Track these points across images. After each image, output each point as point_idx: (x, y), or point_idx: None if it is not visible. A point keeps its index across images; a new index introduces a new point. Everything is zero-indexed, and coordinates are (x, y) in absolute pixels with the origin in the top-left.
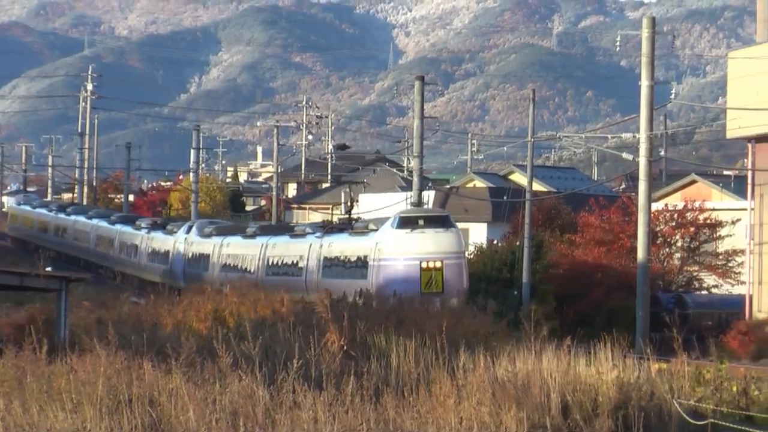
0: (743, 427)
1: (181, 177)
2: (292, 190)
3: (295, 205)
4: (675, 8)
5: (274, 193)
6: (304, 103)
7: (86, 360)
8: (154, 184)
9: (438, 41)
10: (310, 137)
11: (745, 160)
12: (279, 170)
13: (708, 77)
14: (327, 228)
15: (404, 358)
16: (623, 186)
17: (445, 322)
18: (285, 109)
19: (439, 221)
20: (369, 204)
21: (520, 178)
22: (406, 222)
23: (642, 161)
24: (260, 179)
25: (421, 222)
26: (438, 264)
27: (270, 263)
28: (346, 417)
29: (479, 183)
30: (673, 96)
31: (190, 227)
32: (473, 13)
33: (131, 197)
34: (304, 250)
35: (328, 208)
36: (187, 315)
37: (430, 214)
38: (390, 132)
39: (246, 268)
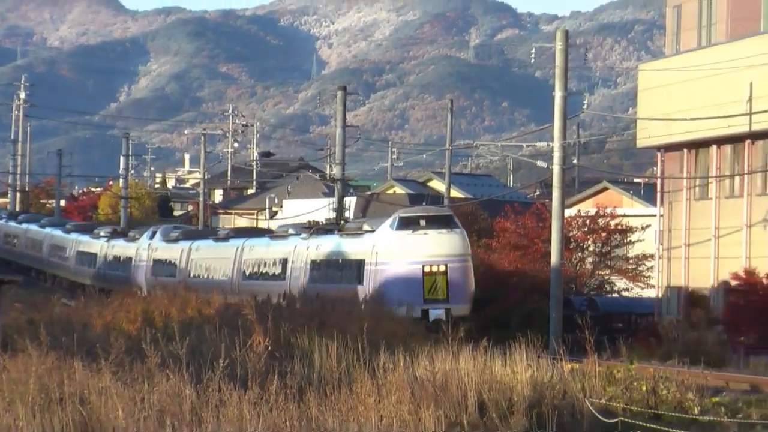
0: (652, 425)
1: (110, 183)
2: (218, 195)
3: (222, 211)
4: (588, 22)
5: (201, 198)
6: (230, 112)
7: (18, 360)
8: (85, 190)
9: (360, 53)
10: (235, 145)
11: (655, 168)
12: (206, 177)
13: (619, 88)
14: (313, 229)
15: (326, 358)
16: (537, 192)
17: (365, 323)
18: (212, 118)
19: (443, 221)
20: (293, 209)
21: (438, 184)
22: (406, 222)
23: (555, 169)
24: (187, 185)
25: (422, 222)
26: (442, 268)
27: (247, 268)
28: (270, 415)
29: (399, 189)
30: (585, 106)
31: (154, 233)
32: (393, 26)
33: (63, 202)
34: (287, 253)
35: (253, 214)
36: (117, 316)
37: (432, 213)
38: (313, 140)
39: (219, 274)
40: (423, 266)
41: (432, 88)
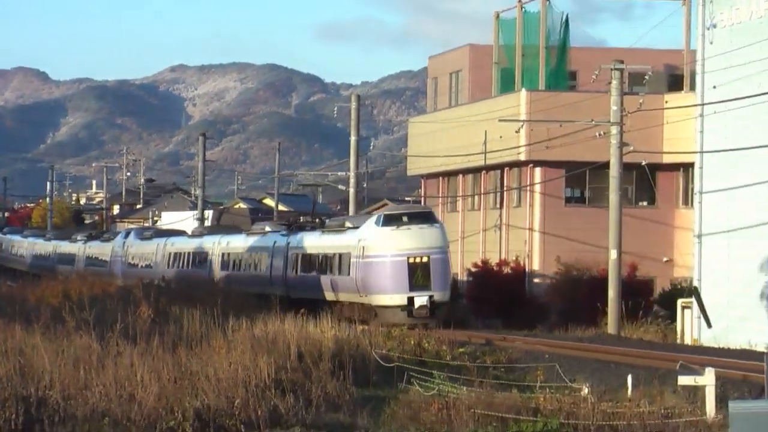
0: (418, 368)
1: (40, 201)
2: (116, 209)
3: (118, 220)
4: (373, 89)
5: (104, 211)
6: (124, 151)
7: None
8: (22, 205)
9: (215, 109)
10: (128, 174)
11: (420, 190)
12: (107, 196)
13: (395, 135)
14: (292, 226)
15: (192, 322)
16: (339, 207)
17: (219, 298)
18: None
19: (423, 217)
20: (168, 219)
21: (270, 201)
22: (390, 219)
23: (351, 191)
24: (94, 202)
25: (405, 219)
26: (425, 259)
27: (226, 261)
28: (152, 362)
29: (242, 205)
30: (372, 147)
31: (128, 233)
32: (238, 91)
33: (6, 213)
34: (266, 249)
35: (140, 222)
36: (45, 293)
37: (413, 210)
38: (183, 170)
39: (197, 266)
40: (408, 258)
41: (265, 134)
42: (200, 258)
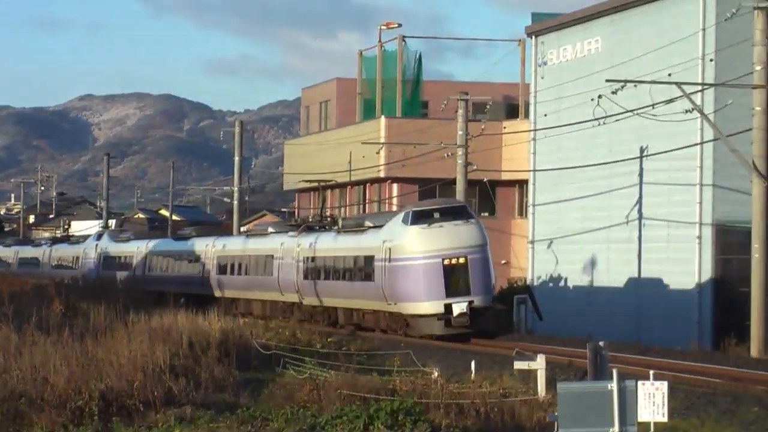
0: (292, 354)
1: None
2: (32, 218)
3: (34, 227)
4: (254, 115)
5: (21, 220)
6: (39, 168)
7: None
8: None
9: (118, 133)
10: (42, 188)
11: (293, 203)
12: (23, 207)
13: (273, 155)
14: (302, 226)
15: (98, 316)
16: (224, 217)
17: (121, 296)
18: (28, 172)
19: (457, 212)
20: (78, 227)
21: (165, 212)
22: (420, 216)
23: (235, 203)
24: (13, 212)
25: (437, 215)
26: (462, 260)
27: (222, 264)
28: (63, 350)
29: (141, 215)
30: (253, 165)
31: (100, 235)
32: (138, 117)
33: None
34: (272, 250)
35: (52, 229)
36: None
37: (446, 205)
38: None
39: (187, 269)
40: (443, 259)
41: (161, 155)
42: (190, 261)
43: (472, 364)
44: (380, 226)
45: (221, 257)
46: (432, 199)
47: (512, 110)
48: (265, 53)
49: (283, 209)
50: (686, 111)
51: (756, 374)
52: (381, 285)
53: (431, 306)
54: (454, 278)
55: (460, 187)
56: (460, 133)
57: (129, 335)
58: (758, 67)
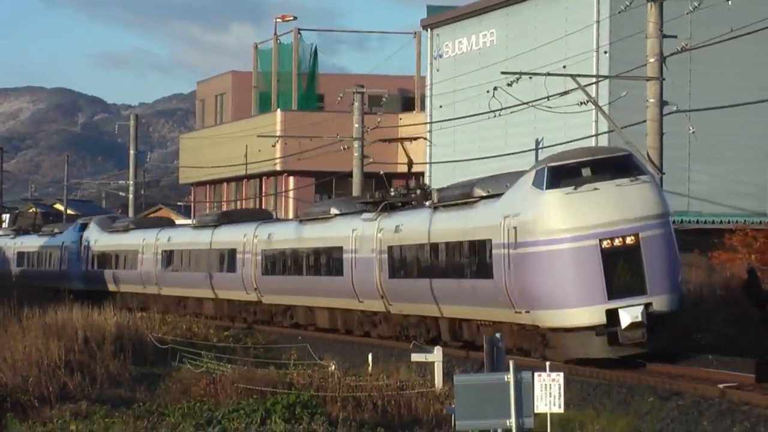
0: (188, 348)
1: None
2: None
3: None
4: (149, 109)
5: None
6: None
7: None
8: None
9: (11, 127)
10: None
11: (189, 196)
12: None
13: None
14: (382, 205)
15: None
16: (120, 212)
17: (15, 291)
18: None
19: (620, 166)
20: None
21: (60, 206)
22: (561, 174)
23: (130, 197)
24: None
25: (587, 172)
26: (631, 240)
27: (270, 260)
28: None
29: (35, 209)
30: (148, 159)
31: (84, 225)
32: (31, 112)
33: None
34: (341, 240)
35: None
36: None
37: (600, 156)
38: None
39: (220, 266)
40: (601, 241)
41: (55, 149)
42: (224, 257)
43: (369, 356)
44: (498, 195)
45: (268, 251)
46: (577, 149)
47: (408, 103)
48: (157, 47)
49: (179, 203)
50: (581, 103)
51: (651, 367)
52: (503, 283)
53: (585, 314)
54: (619, 269)
55: (356, 180)
56: (356, 125)
57: (23, 330)
58: (651, 59)
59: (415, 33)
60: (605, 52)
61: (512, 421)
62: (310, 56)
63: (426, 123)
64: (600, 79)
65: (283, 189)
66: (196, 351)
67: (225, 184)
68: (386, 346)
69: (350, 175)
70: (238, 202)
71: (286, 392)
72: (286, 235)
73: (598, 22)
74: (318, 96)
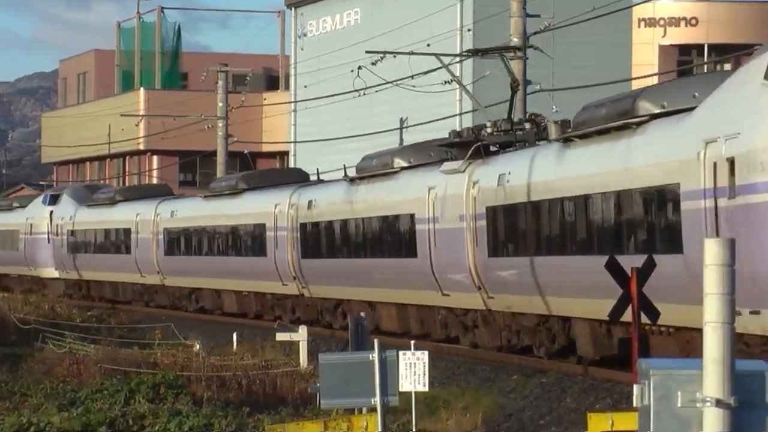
0: (51, 329)
1: None
2: None
3: None
4: (10, 88)
5: None
6: None
7: None
8: None
9: None
10: None
11: (52, 176)
12: None
13: (30, 128)
14: (473, 147)
15: None
16: None
17: None
18: None
19: None
20: None
21: None
22: None
23: None
24: None
25: None
26: None
27: (312, 237)
28: None
29: None
30: (9, 138)
31: (55, 197)
32: None
33: None
34: (410, 204)
35: None
36: None
37: None
38: None
39: (241, 248)
40: None
41: None
42: (250, 236)
43: (234, 336)
44: (686, 110)
45: (305, 224)
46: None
47: (272, 82)
48: (18, 24)
49: (41, 182)
50: (445, 82)
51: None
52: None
53: None
54: None
55: (220, 159)
56: (220, 104)
57: None
58: (514, 39)
59: (280, 12)
60: (469, 30)
61: (377, 400)
62: (174, 35)
63: (291, 102)
64: (463, 57)
65: (147, 168)
66: (60, 331)
67: (88, 163)
68: (251, 325)
69: (214, 154)
70: (102, 182)
71: (150, 372)
72: (332, 196)
73: (461, 1)
74: (181, 75)
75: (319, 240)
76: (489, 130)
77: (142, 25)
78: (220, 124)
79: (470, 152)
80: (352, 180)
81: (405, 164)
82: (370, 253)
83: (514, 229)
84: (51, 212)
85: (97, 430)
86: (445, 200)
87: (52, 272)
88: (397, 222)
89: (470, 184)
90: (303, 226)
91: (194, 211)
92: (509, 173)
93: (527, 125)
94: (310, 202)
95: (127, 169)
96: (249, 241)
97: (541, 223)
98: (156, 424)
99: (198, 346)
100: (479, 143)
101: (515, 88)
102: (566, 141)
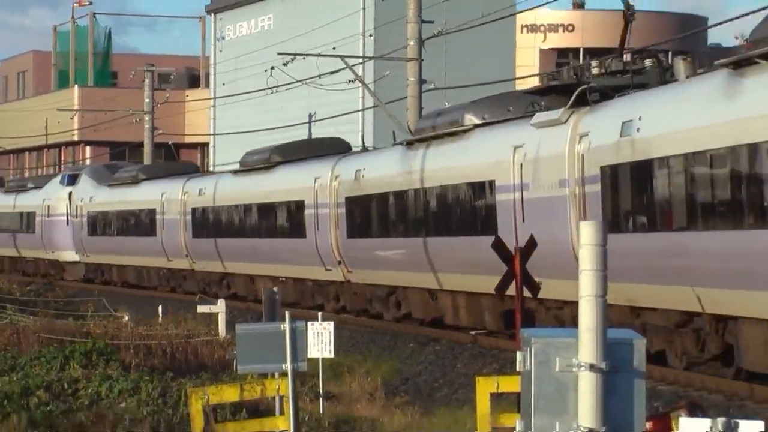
0: None
1: None
2: None
3: None
4: None
5: None
6: None
7: None
8: None
9: None
10: None
11: None
12: None
13: None
14: (576, 93)
15: None
16: None
17: None
18: None
19: None
20: None
21: None
22: None
23: None
24: None
25: None
26: None
27: (362, 213)
28: None
29: None
30: None
31: (73, 177)
32: None
33: None
34: (488, 168)
35: None
36: None
37: None
38: None
39: (287, 225)
40: None
41: None
42: (291, 217)
43: (159, 308)
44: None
45: (351, 199)
46: None
47: (194, 80)
48: None
49: None
50: (349, 81)
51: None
52: None
53: None
54: None
55: (147, 149)
56: (147, 100)
57: None
58: (411, 42)
59: (201, 17)
60: (370, 35)
61: (288, 366)
62: (105, 38)
63: (210, 98)
64: (366, 59)
65: (81, 158)
66: (1, 304)
67: (27, 153)
68: (174, 299)
69: (142, 145)
70: (40, 170)
71: (83, 341)
72: (386, 167)
73: (364, 9)
74: (112, 73)
75: (369, 217)
76: (595, 71)
77: (77, 29)
78: (147, 118)
79: (574, 97)
80: (409, 144)
81: (478, 121)
82: (433, 232)
83: (643, 194)
84: (70, 193)
85: (36, 392)
86: (538, 162)
87: (71, 255)
88: (470, 191)
89: (575, 138)
90: (349, 200)
91: (224, 189)
92: (640, 119)
93: (648, 62)
94: (357, 172)
95: (62, 158)
96: (285, 221)
97: (695, 188)
98: (89, 387)
99: (126, 317)
100: (584, 87)
101: (630, 18)
102: (737, 66)
